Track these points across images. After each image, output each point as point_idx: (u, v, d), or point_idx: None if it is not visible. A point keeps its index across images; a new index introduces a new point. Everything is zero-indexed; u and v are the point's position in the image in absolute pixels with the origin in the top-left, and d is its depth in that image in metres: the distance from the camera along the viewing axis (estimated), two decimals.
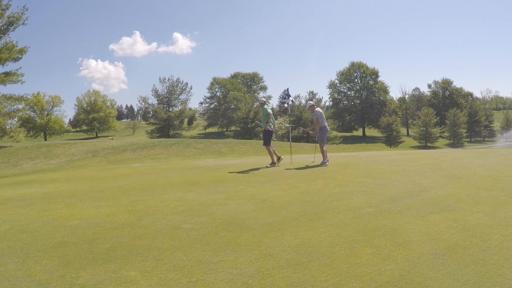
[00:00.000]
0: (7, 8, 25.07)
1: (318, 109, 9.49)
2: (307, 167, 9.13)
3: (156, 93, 68.06)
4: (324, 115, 9.55)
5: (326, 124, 9.41)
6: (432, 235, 3.07)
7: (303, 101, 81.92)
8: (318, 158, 9.83)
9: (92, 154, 22.05)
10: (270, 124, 9.44)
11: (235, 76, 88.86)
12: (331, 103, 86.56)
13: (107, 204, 5.06)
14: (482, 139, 76.02)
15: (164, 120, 64.34)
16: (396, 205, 4.24)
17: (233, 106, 79.19)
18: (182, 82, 69.34)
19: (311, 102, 9.95)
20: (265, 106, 9.52)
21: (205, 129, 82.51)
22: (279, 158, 9.49)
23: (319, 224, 3.55)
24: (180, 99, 69.70)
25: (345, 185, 5.80)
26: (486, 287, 2.11)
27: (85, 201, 5.43)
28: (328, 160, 9.09)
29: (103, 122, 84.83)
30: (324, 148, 9.26)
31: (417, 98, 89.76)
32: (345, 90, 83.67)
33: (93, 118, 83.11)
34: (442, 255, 2.61)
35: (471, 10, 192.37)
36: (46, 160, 20.88)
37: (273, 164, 9.33)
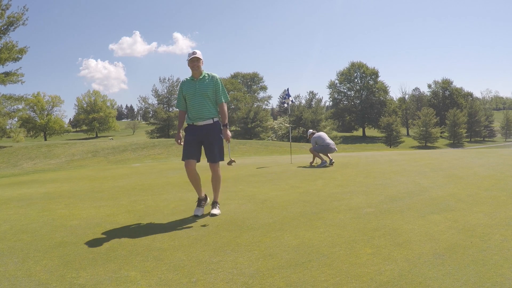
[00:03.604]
0: (7, 8, 25.11)
1: (314, 136, 9.62)
2: (307, 167, 9.13)
3: (156, 93, 68.10)
4: (323, 135, 9.55)
5: (329, 142, 9.34)
6: (432, 235, 3.07)
7: (303, 101, 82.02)
8: (318, 160, 9.83)
9: (92, 154, 22.03)
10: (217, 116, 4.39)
11: (235, 76, 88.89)
12: (331, 103, 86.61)
13: (107, 204, 5.06)
14: (482, 139, 76.04)
15: (164, 120, 64.33)
16: (396, 205, 4.24)
17: (233, 106, 79.16)
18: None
19: (310, 130, 10.13)
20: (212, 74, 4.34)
21: None
22: (200, 201, 4.34)
23: (319, 224, 3.55)
24: None
25: (345, 185, 5.80)
26: (486, 287, 2.11)
27: (85, 201, 5.43)
28: (326, 162, 9.08)
29: (103, 122, 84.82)
30: (315, 152, 9.34)
31: (417, 98, 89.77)
32: (345, 90, 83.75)
33: (93, 118, 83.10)
34: (442, 255, 2.61)
35: (471, 10, 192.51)
36: (46, 160, 20.87)
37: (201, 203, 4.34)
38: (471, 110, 73.59)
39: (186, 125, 4.38)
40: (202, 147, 4.27)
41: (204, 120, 4.21)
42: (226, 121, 4.29)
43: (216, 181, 4.31)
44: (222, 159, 4.26)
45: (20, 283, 2.48)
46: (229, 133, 4.25)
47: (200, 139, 4.22)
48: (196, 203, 4.34)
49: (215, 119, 4.28)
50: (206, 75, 4.28)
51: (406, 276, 2.30)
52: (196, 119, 4.22)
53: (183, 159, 4.18)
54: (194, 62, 4.19)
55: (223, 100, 4.29)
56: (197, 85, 4.19)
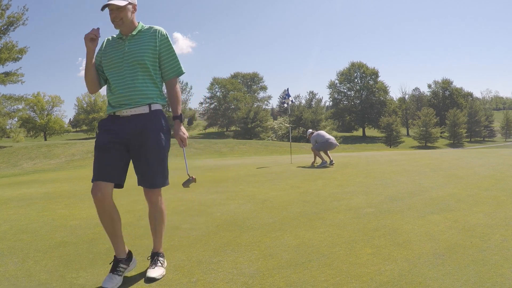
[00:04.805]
0: (7, 8, 25.12)
1: (313, 135, 9.63)
2: (307, 167, 9.14)
3: None
4: (322, 133, 9.57)
5: (329, 137, 9.35)
6: (432, 235, 3.07)
7: (303, 101, 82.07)
8: (319, 160, 9.84)
9: (92, 154, 22.02)
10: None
11: (235, 76, 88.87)
12: (331, 103, 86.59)
13: None
14: (482, 139, 76.01)
15: None
16: (396, 205, 4.24)
17: (233, 106, 79.24)
18: (182, 82, 69.40)
19: (310, 130, 10.11)
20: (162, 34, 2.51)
21: (205, 129, 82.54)
22: (117, 262, 2.44)
23: (319, 224, 3.55)
24: None
25: (345, 185, 5.80)
26: (486, 287, 2.11)
27: (85, 201, 5.43)
28: (326, 162, 9.07)
29: None
30: (316, 152, 9.33)
31: (417, 98, 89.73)
32: (345, 90, 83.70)
33: (93, 118, 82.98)
34: (442, 255, 2.61)
35: (471, 10, 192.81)
36: (46, 160, 20.87)
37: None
38: (471, 110, 73.54)
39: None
40: (130, 158, 2.48)
41: (134, 106, 2.40)
42: (180, 111, 2.54)
43: (156, 218, 2.62)
44: (166, 182, 2.54)
45: (20, 283, 2.48)
46: (185, 132, 2.52)
47: (124, 141, 2.40)
48: (111, 265, 2.43)
49: (155, 106, 2.47)
50: (144, 29, 2.51)
51: (406, 276, 2.30)
52: (120, 106, 2.40)
53: (93, 180, 2.41)
54: (114, 13, 2.39)
55: (175, 74, 2.54)
56: (126, 47, 2.43)
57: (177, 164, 11.83)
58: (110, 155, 2.37)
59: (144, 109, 2.43)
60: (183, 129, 2.53)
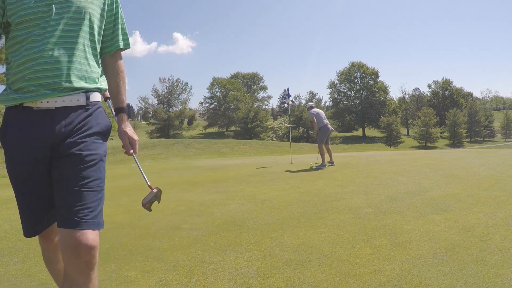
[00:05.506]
0: None
1: (313, 110, 9.37)
2: (307, 167, 9.13)
3: (156, 93, 68.06)
4: (322, 114, 9.34)
5: (327, 122, 9.22)
6: (432, 235, 3.07)
7: (303, 101, 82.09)
8: (320, 159, 9.81)
9: None
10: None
11: (235, 76, 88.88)
12: (331, 103, 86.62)
13: (107, 204, 5.05)
14: (482, 139, 76.02)
15: (164, 120, 64.35)
16: (396, 205, 4.24)
17: (233, 106, 79.24)
18: (182, 82, 69.33)
19: (310, 103, 9.80)
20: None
21: (205, 129, 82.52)
22: None
23: (319, 224, 3.55)
24: (180, 99, 69.72)
25: (345, 185, 5.80)
26: (486, 287, 2.11)
27: None
28: (326, 164, 8.94)
29: None
30: (322, 149, 9.12)
31: (417, 98, 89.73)
32: (345, 90, 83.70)
33: None
34: (442, 255, 2.61)
35: (471, 10, 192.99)
36: None
37: None
38: (471, 110, 73.55)
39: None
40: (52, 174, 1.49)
41: (63, 93, 1.45)
42: (125, 101, 1.74)
43: None
44: (101, 220, 1.46)
45: (20, 283, 2.48)
46: (134, 133, 1.71)
47: (46, 156, 1.47)
48: None
49: (94, 97, 1.57)
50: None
51: (406, 276, 2.30)
52: (37, 90, 1.41)
53: (27, 234, 1.63)
54: None
55: (124, 43, 1.73)
56: None
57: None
58: (36, 191, 1.52)
59: (79, 99, 1.48)
60: (131, 128, 1.68)
